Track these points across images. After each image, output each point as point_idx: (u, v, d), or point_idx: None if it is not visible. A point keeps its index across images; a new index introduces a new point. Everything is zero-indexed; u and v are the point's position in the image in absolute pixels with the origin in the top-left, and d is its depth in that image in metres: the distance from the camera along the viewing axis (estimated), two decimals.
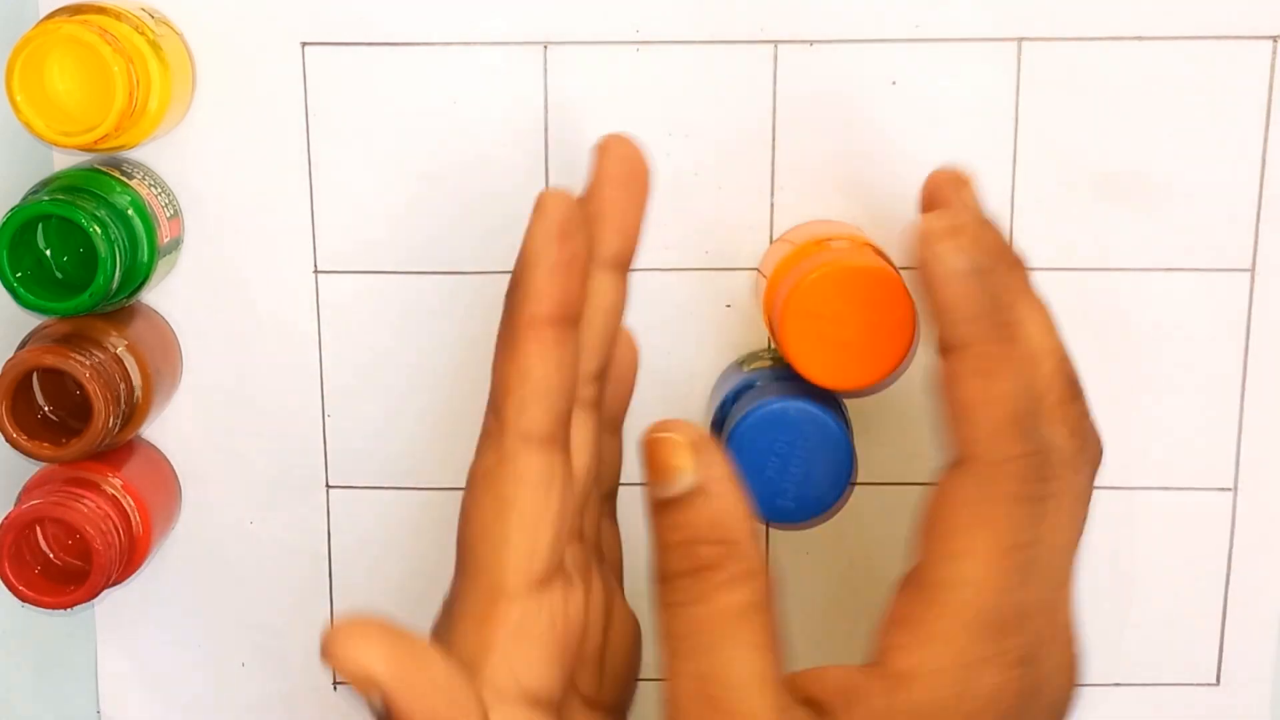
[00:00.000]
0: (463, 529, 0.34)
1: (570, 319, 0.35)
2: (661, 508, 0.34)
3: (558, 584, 0.34)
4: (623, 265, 0.37)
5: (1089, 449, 0.36)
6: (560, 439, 0.35)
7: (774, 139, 0.49)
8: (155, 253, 0.47)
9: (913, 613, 0.34)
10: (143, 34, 0.45)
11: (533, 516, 0.34)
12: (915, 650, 0.33)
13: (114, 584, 0.48)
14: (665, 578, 0.34)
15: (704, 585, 0.33)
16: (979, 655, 0.33)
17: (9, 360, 0.46)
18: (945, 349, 0.34)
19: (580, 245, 0.35)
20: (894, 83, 0.49)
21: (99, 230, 0.44)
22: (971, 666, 0.33)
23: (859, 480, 0.52)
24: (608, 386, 0.38)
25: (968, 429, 0.34)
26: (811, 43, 0.49)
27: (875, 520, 0.52)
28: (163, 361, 0.49)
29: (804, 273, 0.42)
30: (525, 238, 0.34)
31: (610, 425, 0.40)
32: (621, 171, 0.36)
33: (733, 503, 0.33)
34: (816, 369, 0.42)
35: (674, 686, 0.33)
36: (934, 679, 0.33)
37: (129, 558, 0.48)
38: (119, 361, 0.46)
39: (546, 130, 0.49)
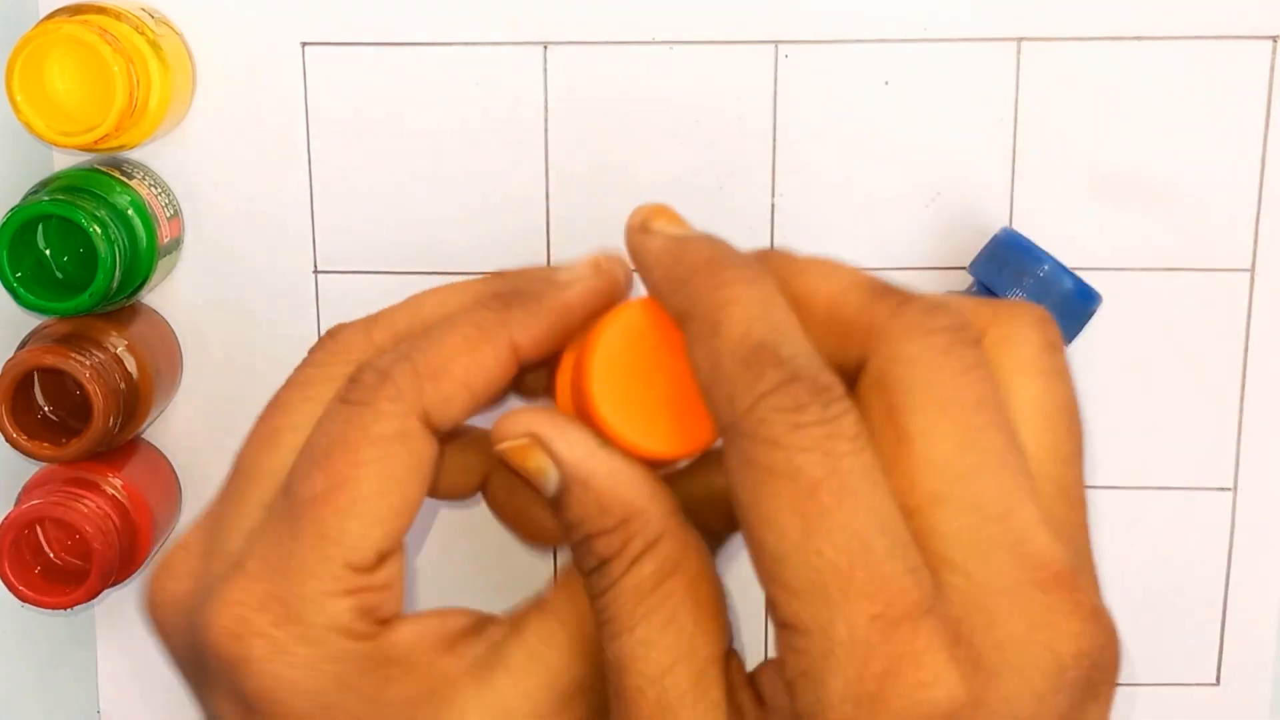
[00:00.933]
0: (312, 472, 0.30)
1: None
2: (554, 509, 0.30)
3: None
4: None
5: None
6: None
7: (774, 139, 0.49)
8: (155, 253, 0.47)
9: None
10: (143, 34, 0.45)
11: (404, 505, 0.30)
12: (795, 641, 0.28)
13: (114, 584, 0.48)
14: (583, 574, 0.30)
15: (602, 578, 0.30)
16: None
17: (9, 360, 0.46)
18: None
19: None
20: (893, 83, 0.49)
21: (99, 230, 0.44)
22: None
23: None
24: None
25: (710, 401, 0.28)
26: (811, 43, 0.49)
27: None
28: (163, 361, 0.49)
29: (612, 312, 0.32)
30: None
31: None
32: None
33: (607, 477, 0.30)
34: (633, 429, 0.30)
35: (610, 685, 0.30)
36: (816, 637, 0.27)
37: (129, 558, 0.48)
38: (119, 361, 0.46)
39: (546, 130, 0.49)
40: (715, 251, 0.30)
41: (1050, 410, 0.29)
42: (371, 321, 0.33)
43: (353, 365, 0.32)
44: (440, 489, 0.35)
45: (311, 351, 0.34)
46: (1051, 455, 0.29)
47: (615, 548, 0.29)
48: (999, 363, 0.29)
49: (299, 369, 0.34)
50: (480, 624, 0.31)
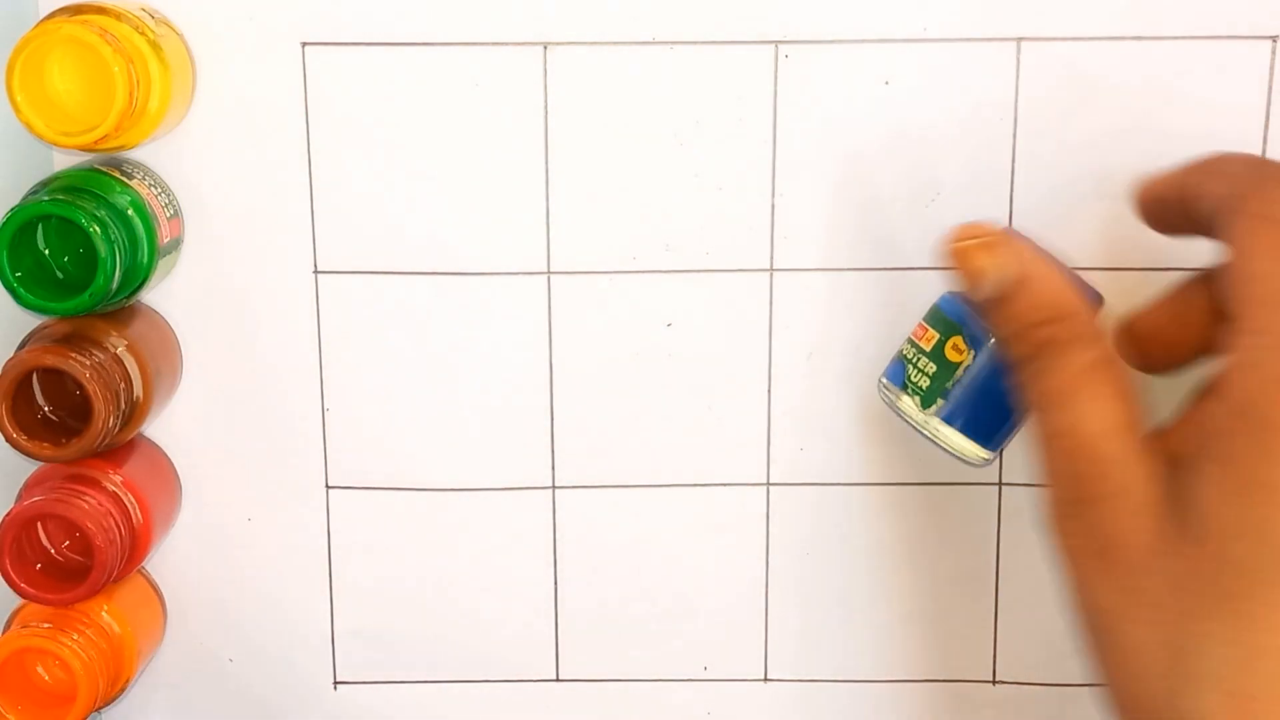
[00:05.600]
0: None
1: None
2: (989, 308, 0.38)
3: None
4: None
5: None
6: None
7: (774, 139, 0.49)
8: (155, 253, 0.47)
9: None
10: (143, 34, 0.45)
11: None
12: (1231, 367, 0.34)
13: (115, 580, 0.48)
14: (1016, 364, 0.37)
15: (1050, 358, 0.36)
16: None
17: (9, 360, 0.46)
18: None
19: None
20: (893, 83, 0.49)
21: (99, 230, 0.44)
22: None
23: (864, 482, 0.52)
24: None
25: (1217, 209, 0.37)
26: (811, 43, 0.49)
27: (878, 522, 0.52)
28: (163, 361, 0.49)
29: None
30: None
31: None
32: None
33: (1052, 281, 0.37)
34: None
35: (1040, 455, 0.36)
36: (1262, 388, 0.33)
37: (130, 555, 0.48)
38: (119, 361, 0.46)
39: (546, 130, 0.49)
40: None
41: None
42: None
43: None
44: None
45: None
46: None
47: (1060, 335, 0.36)
48: None
49: None
50: None
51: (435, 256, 0.50)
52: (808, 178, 0.50)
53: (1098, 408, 0.35)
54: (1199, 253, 0.50)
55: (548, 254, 0.50)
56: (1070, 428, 0.35)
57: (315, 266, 0.50)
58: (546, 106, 0.49)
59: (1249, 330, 0.32)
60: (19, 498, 0.48)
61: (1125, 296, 0.50)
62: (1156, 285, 0.50)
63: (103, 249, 0.44)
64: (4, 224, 0.44)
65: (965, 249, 0.38)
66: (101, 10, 0.46)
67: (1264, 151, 0.49)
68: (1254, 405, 0.31)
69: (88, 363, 0.45)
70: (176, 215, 0.49)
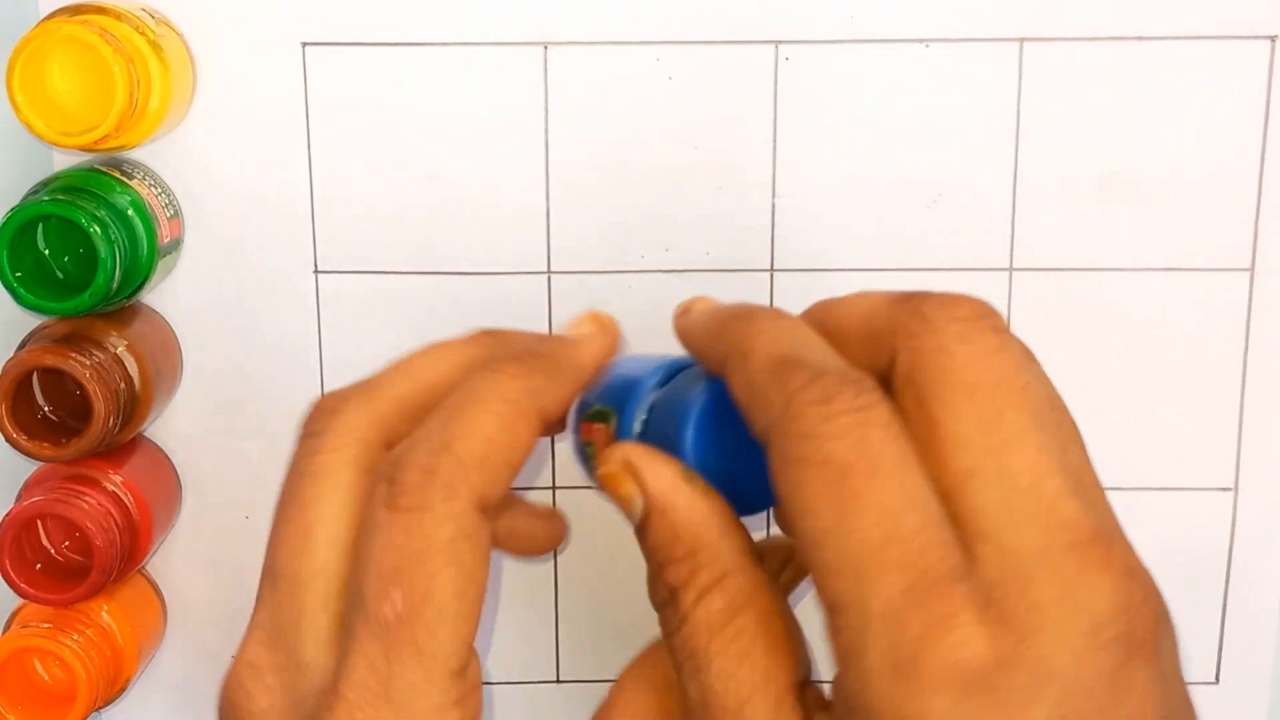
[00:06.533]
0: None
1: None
2: (638, 538, 0.32)
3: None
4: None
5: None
6: None
7: (774, 139, 0.49)
8: (155, 253, 0.47)
9: None
10: (143, 34, 0.45)
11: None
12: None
13: (115, 580, 0.48)
14: (656, 609, 0.32)
15: (680, 608, 0.31)
16: None
17: (9, 360, 0.46)
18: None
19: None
20: (894, 83, 0.49)
21: (99, 230, 0.44)
22: None
23: None
24: None
25: (752, 420, 0.31)
26: (811, 43, 0.49)
27: None
28: (163, 361, 0.49)
29: None
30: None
31: None
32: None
33: (684, 510, 0.31)
34: None
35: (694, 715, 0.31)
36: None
37: (130, 554, 0.48)
38: (119, 361, 0.46)
39: (546, 130, 0.49)
40: (746, 307, 0.32)
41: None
42: (368, 392, 0.33)
43: (362, 445, 0.33)
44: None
45: (309, 430, 0.34)
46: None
47: (683, 577, 0.31)
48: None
49: (304, 455, 0.34)
50: None
51: (435, 256, 0.50)
52: (808, 178, 0.50)
53: (733, 672, 0.30)
54: (1203, 253, 0.50)
55: (548, 254, 0.50)
56: (709, 696, 0.30)
57: (315, 266, 0.50)
58: (546, 106, 0.49)
59: (833, 608, 0.28)
60: (19, 498, 0.48)
61: (1124, 297, 0.50)
62: (1157, 285, 0.50)
63: (103, 249, 0.44)
64: (4, 224, 0.44)
65: (608, 475, 0.32)
66: (101, 10, 0.46)
67: (1263, 151, 0.49)
68: (859, 701, 0.27)
69: (88, 363, 0.45)
70: (176, 215, 0.49)
